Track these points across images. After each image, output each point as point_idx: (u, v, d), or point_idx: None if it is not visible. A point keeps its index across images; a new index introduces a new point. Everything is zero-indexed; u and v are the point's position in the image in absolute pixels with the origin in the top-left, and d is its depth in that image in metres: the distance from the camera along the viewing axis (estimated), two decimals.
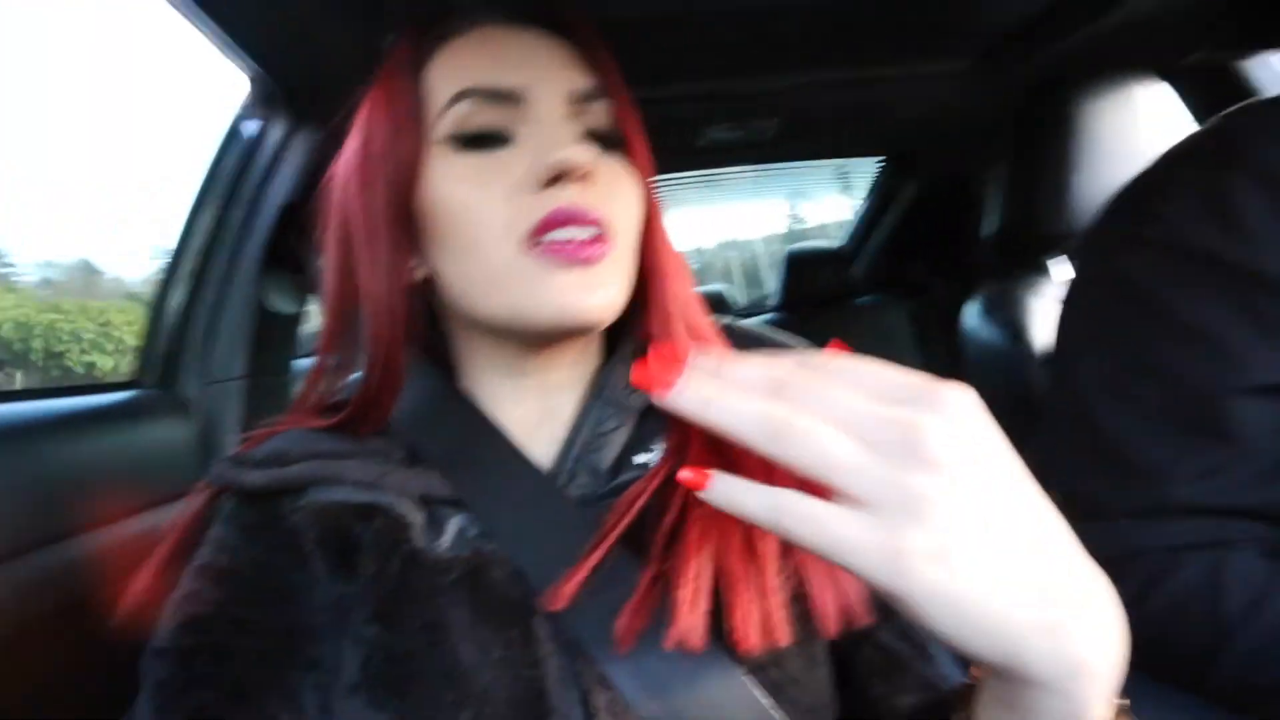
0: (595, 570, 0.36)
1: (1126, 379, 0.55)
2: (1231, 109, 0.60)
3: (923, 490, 0.22)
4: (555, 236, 0.37)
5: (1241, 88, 1.06)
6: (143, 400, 0.81)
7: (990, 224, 1.19)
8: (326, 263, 0.44)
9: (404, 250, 0.40)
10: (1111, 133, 0.98)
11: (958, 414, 0.23)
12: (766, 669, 0.37)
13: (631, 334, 0.45)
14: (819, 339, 0.36)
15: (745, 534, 0.38)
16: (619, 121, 0.42)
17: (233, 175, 0.84)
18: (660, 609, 0.36)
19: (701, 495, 0.26)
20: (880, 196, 1.91)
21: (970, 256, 1.53)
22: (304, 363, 1.26)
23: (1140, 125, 0.99)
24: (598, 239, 0.38)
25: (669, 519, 0.38)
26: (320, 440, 0.41)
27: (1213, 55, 1.05)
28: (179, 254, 0.86)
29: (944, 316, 1.57)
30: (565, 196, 0.37)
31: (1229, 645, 0.47)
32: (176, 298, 0.85)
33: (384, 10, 0.68)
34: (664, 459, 0.41)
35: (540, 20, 0.42)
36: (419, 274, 0.42)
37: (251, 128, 0.85)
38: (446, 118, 0.39)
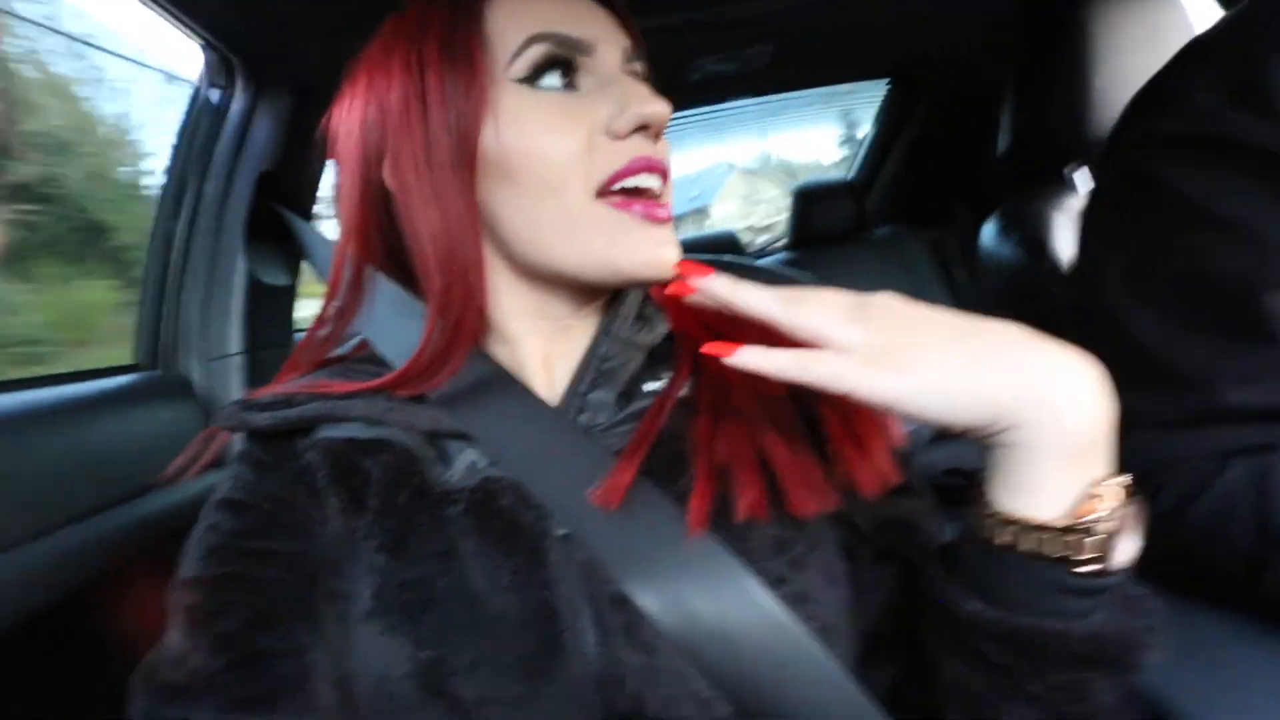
0: (613, 491, 0.38)
1: (1159, 283, 0.52)
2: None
3: (881, 333, 0.32)
4: (629, 184, 0.39)
5: None
6: (144, 383, 0.81)
7: (1005, 142, 1.12)
8: (348, 220, 0.44)
9: (473, 195, 0.40)
10: (1128, 28, 0.91)
11: (886, 298, 0.33)
12: (787, 581, 0.38)
13: None
14: (834, 275, 0.37)
15: (775, 420, 0.41)
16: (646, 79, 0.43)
17: (203, 147, 0.81)
18: (660, 525, 0.38)
19: (731, 360, 0.34)
20: (888, 123, 1.83)
21: (988, 178, 1.45)
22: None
23: (1160, 20, 0.92)
24: (663, 200, 0.41)
25: (705, 415, 0.41)
26: (324, 382, 0.42)
27: None
28: (160, 232, 0.84)
29: (965, 243, 1.51)
30: (644, 148, 0.39)
31: (1278, 551, 0.44)
32: (165, 277, 0.83)
33: None
34: (674, 380, 0.43)
35: None
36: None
37: (214, 97, 0.82)
38: (522, 59, 0.39)
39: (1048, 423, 0.30)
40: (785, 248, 1.91)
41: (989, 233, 1.05)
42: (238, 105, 0.81)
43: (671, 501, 0.39)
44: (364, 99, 0.42)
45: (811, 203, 1.81)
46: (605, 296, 0.45)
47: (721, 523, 0.38)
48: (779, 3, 1.09)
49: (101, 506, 0.68)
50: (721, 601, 0.36)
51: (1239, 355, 0.48)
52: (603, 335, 0.44)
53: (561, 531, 0.38)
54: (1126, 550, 0.31)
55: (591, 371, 0.43)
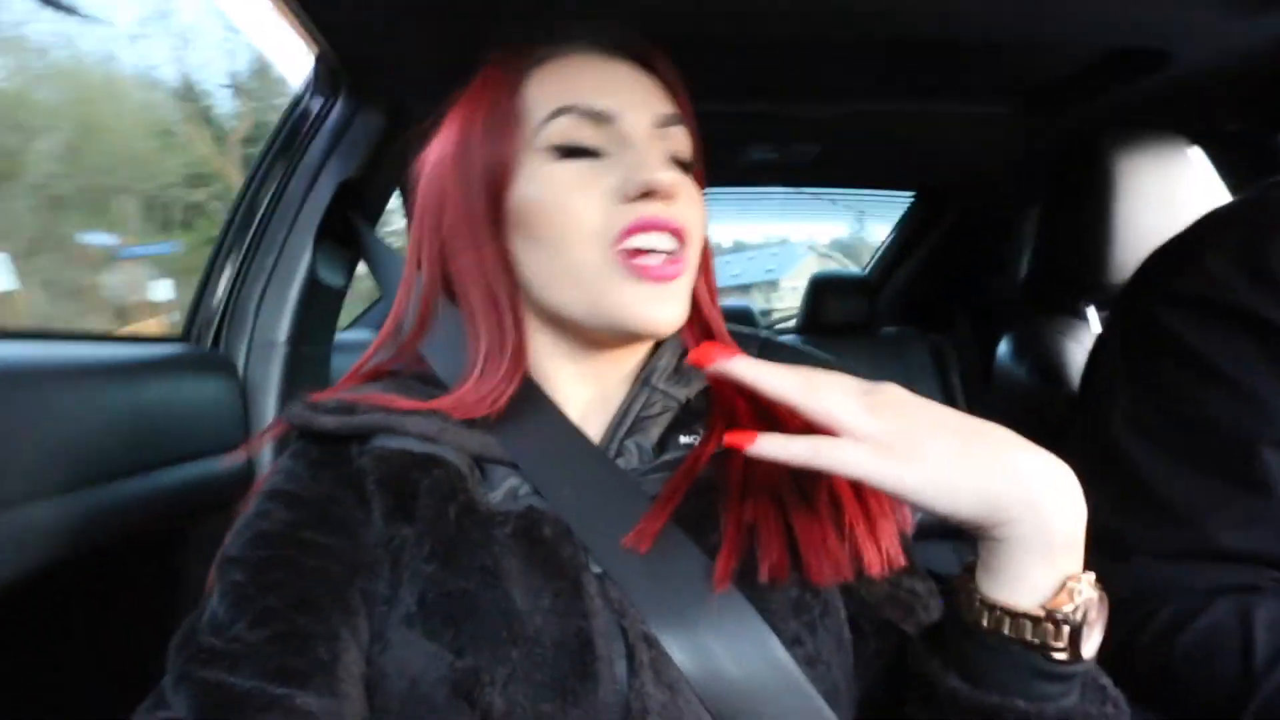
0: (644, 535, 0.40)
1: (1161, 424, 0.56)
2: (1273, 179, 0.62)
3: (893, 422, 0.34)
4: (638, 243, 0.42)
5: (1275, 160, 1.07)
6: (189, 356, 0.83)
7: (1022, 266, 1.20)
8: (416, 246, 0.48)
9: (503, 242, 0.45)
10: (1149, 190, 0.99)
11: (895, 390, 0.36)
12: (802, 643, 0.40)
13: (676, 331, 0.49)
14: (841, 369, 0.39)
15: (800, 491, 0.43)
16: (691, 144, 0.48)
17: (297, 148, 0.86)
18: (690, 574, 0.40)
19: (750, 450, 0.36)
20: (909, 229, 1.93)
21: (997, 296, 1.54)
22: (345, 335, 1.28)
23: (1177, 187, 1.01)
24: (674, 259, 0.43)
25: (735, 476, 0.43)
26: (386, 396, 0.45)
27: (1250, 126, 1.06)
28: (238, 219, 0.88)
29: (966, 353, 1.58)
30: (652, 209, 0.42)
31: (1258, 688, 0.48)
32: (232, 261, 0.87)
33: (453, 6, 0.71)
34: (710, 434, 0.46)
35: (628, 52, 0.47)
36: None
37: (317, 104, 0.88)
38: (548, 129, 0.44)
39: (1035, 522, 0.33)
40: (795, 331, 1.97)
41: (1004, 350, 1.12)
42: (336, 115, 0.87)
43: (700, 553, 0.41)
44: (441, 145, 0.47)
45: (825, 292, 1.89)
46: (639, 350, 0.49)
47: (746, 579, 0.40)
48: (824, 110, 1.18)
49: (131, 470, 0.69)
50: (741, 653, 0.38)
51: (1232, 502, 0.52)
52: (641, 385, 0.47)
53: (597, 569, 0.41)
54: (1094, 641, 0.35)
55: (630, 419, 0.46)
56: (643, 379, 0.48)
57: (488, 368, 0.44)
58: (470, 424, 0.44)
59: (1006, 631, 0.34)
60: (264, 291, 0.86)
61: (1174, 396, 0.56)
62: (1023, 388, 1.04)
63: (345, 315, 1.05)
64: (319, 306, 0.91)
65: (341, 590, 0.39)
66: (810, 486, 0.44)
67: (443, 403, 0.44)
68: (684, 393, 0.48)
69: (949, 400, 1.71)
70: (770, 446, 0.35)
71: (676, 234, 0.43)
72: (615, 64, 0.47)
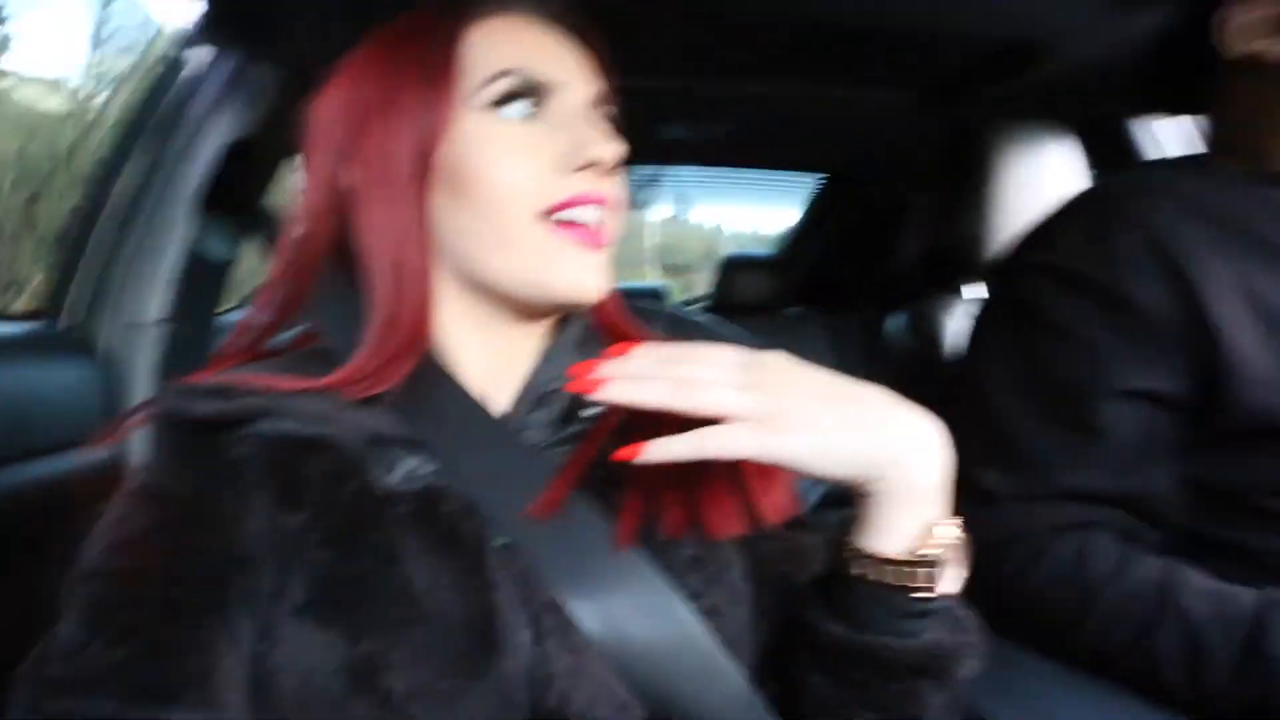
0: (547, 505, 0.41)
1: (1020, 379, 0.63)
2: (1113, 176, 0.69)
3: (771, 397, 0.35)
4: (572, 215, 0.42)
5: (1129, 147, 1.20)
6: (45, 335, 0.75)
7: (917, 248, 1.28)
8: (307, 208, 0.44)
9: (424, 204, 0.42)
10: (1026, 178, 1.09)
11: (773, 360, 0.37)
12: (702, 596, 0.42)
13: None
14: (745, 343, 0.41)
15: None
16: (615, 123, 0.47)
17: (175, 104, 0.78)
18: (595, 538, 0.41)
19: (638, 461, 0.36)
20: (816, 212, 2.00)
21: (892, 277, 1.63)
22: (235, 316, 1.19)
23: (1052, 175, 1.10)
24: (601, 228, 0.43)
25: (636, 444, 0.41)
26: (267, 375, 0.42)
27: (1125, 115, 1.17)
28: (106, 183, 0.79)
29: (864, 333, 1.67)
30: (590, 183, 0.43)
31: (1091, 610, 0.55)
32: (100, 230, 0.78)
33: None
34: (610, 412, 0.46)
35: (567, 22, 0.46)
36: None
37: (196, 55, 0.79)
38: (488, 89, 0.42)
39: (899, 477, 0.37)
40: (706, 309, 2.01)
41: (897, 326, 1.19)
42: (220, 69, 0.79)
43: (603, 517, 0.41)
44: (342, 95, 0.44)
45: (736, 271, 1.93)
46: (545, 322, 0.48)
47: (648, 539, 0.41)
48: (734, 89, 1.20)
49: None
50: (645, 612, 0.40)
51: (1073, 447, 0.59)
52: (546, 360, 0.47)
53: (501, 541, 0.40)
54: (953, 579, 0.39)
55: (534, 392, 0.46)
56: (548, 354, 0.47)
57: (384, 340, 0.42)
58: (366, 403, 0.42)
59: (872, 576, 0.38)
60: (135, 265, 0.78)
61: (1030, 354, 0.63)
62: (912, 359, 1.11)
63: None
64: (199, 282, 0.84)
65: (214, 593, 0.36)
66: None
67: (332, 380, 0.41)
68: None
69: (846, 374, 1.81)
70: (656, 453, 0.36)
71: (608, 207, 0.44)
72: (557, 32, 0.46)
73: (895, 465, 0.36)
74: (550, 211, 0.42)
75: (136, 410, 0.42)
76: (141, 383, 0.77)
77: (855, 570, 0.39)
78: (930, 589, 0.37)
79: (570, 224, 0.42)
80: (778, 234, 2.44)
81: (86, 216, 0.80)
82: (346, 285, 0.43)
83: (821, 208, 1.98)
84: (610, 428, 0.44)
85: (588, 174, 0.42)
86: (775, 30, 0.92)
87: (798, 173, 1.99)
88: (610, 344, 0.49)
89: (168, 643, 0.34)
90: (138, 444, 0.74)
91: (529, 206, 0.41)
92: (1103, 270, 0.60)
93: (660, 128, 1.41)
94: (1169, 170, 0.70)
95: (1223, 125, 0.68)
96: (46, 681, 0.33)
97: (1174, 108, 0.87)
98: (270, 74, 0.82)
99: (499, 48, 0.43)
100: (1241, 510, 0.58)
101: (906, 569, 0.37)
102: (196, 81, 0.79)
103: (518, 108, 0.43)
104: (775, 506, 0.44)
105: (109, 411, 0.76)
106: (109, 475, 0.71)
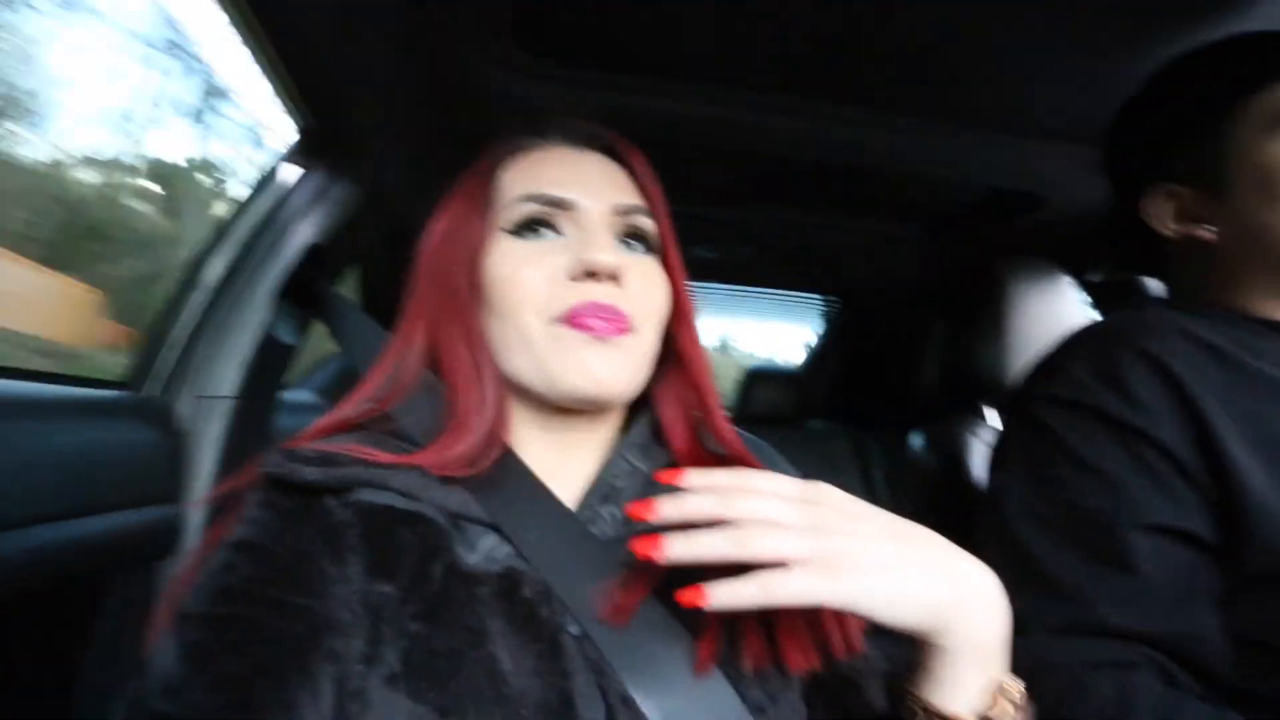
0: (621, 610, 0.41)
1: (1046, 510, 0.63)
2: (1121, 311, 0.74)
3: (833, 540, 0.35)
4: (583, 321, 0.45)
5: (1129, 294, 1.25)
6: (128, 402, 0.82)
7: (931, 371, 1.33)
8: (412, 319, 0.51)
9: (477, 316, 0.48)
10: (1034, 310, 1.14)
11: (831, 495, 0.38)
12: (765, 711, 0.42)
13: (649, 407, 0.53)
14: (775, 459, 0.43)
15: None
16: (658, 229, 0.52)
17: (267, 210, 0.90)
18: (667, 640, 0.42)
19: (705, 605, 0.35)
20: (835, 331, 2.08)
21: (911, 396, 1.67)
22: (292, 394, 1.27)
23: (1057, 308, 1.16)
24: (619, 328, 0.46)
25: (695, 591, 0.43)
26: (364, 448, 0.44)
27: (1118, 271, 1.24)
28: (199, 270, 0.89)
29: (886, 448, 1.69)
30: (596, 291, 0.46)
31: None
32: (188, 310, 0.88)
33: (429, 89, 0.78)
34: None
35: (596, 145, 0.53)
36: None
37: (293, 170, 0.92)
38: (512, 212, 0.49)
39: (968, 630, 0.36)
40: (729, 419, 2.04)
41: (916, 445, 1.22)
42: (311, 181, 0.91)
43: (676, 620, 0.42)
44: (437, 230, 0.52)
45: (759, 383, 1.99)
46: (604, 421, 0.51)
47: (720, 652, 0.42)
48: (759, 216, 1.31)
49: (49, 515, 0.66)
50: (707, 711, 0.40)
51: (1107, 581, 0.57)
52: (616, 455, 0.50)
53: (575, 630, 0.41)
54: None
55: (603, 487, 0.48)
56: (617, 450, 0.50)
57: (467, 424, 0.46)
58: (448, 482, 0.44)
59: None
60: (215, 343, 0.87)
61: (1055, 486, 0.63)
62: (933, 479, 1.13)
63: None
64: (269, 363, 0.92)
65: (304, 653, 0.37)
66: None
67: (422, 458, 0.44)
68: (649, 466, 0.50)
69: (870, 491, 1.80)
70: (722, 599, 0.35)
71: (619, 318, 0.46)
72: (585, 156, 0.52)
73: (961, 617, 0.36)
74: (561, 318, 0.45)
75: (247, 471, 0.44)
76: (211, 451, 0.84)
77: None
78: None
79: (581, 325, 0.45)
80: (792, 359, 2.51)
81: (177, 297, 0.89)
82: (427, 382, 0.49)
83: (840, 328, 2.06)
84: None
85: (590, 283, 0.46)
86: (797, 166, 1.03)
87: (816, 295, 2.09)
88: (673, 444, 0.52)
89: (258, 698, 0.35)
90: (198, 510, 0.80)
91: (543, 312, 0.46)
92: (1114, 402, 0.60)
93: (693, 248, 1.53)
94: (1168, 307, 0.71)
95: (1180, 281, 0.72)
96: (152, 714, 0.34)
97: (1137, 267, 0.93)
98: (347, 190, 0.95)
99: (526, 174, 0.50)
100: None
101: None
102: (293, 190, 0.91)
103: (534, 230, 0.48)
104: (847, 642, 0.43)
105: (178, 476, 0.82)
106: (171, 535, 0.77)
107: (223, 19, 0.69)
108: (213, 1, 0.68)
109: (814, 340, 2.23)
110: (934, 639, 0.37)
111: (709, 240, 1.52)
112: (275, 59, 0.73)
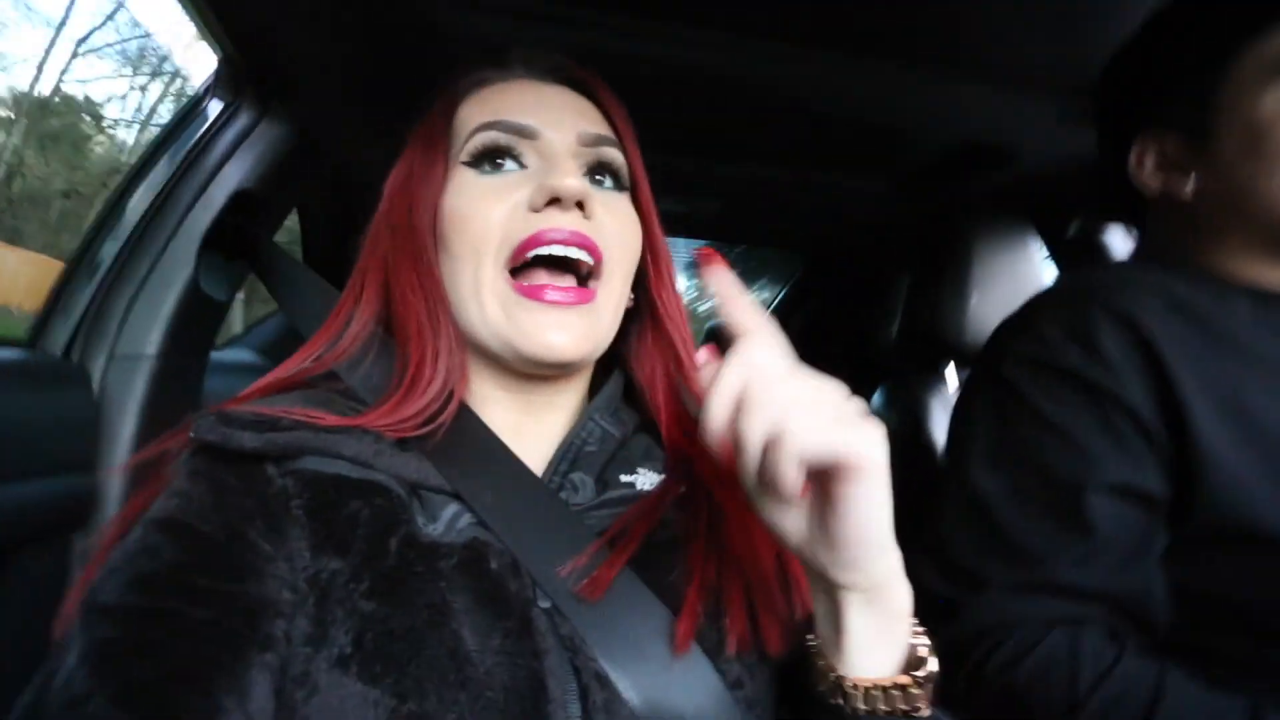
0: (598, 583, 0.39)
1: (1010, 469, 0.63)
2: (1093, 268, 0.73)
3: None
4: (540, 252, 0.42)
5: (1097, 250, 1.26)
6: (37, 363, 0.75)
7: (892, 329, 1.32)
8: (362, 273, 0.47)
9: (437, 262, 0.44)
10: (999, 269, 1.14)
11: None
12: (743, 686, 0.41)
13: (622, 366, 0.50)
14: None
15: (759, 564, 0.43)
16: (628, 164, 0.48)
17: (190, 150, 0.81)
18: (645, 615, 0.40)
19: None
20: (798, 289, 2.07)
21: (872, 354, 1.67)
22: (222, 354, 1.19)
23: (1023, 267, 1.16)
24: (579, 297, 0.43)
25: (698, 532, 0.42)
26: (308, 410, 0.41)
27: (1085, 228, 1.24)
28: (111, 220, 0.81)
29: None
30: (560, 219, 0.42)
31: (1080, 708, 0.53)
32: (102, 262, 0.80)
33: (366, 21, 0.71)
34: (665, 485, 0.45)
35: (561, 77, 0.49)
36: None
37: (216, 108, 0.84)
38: (471, 143, 0.45)
39: (888, 582, 0.35)
40: None
41: (877, 402, 1.22)
42: (238, 122, 0.83)
43: (653, 595, 0.40)
44: (394, 175, 0.48)
45: (721, 343, 1.97)
46: (573, 381, 0.48)
47: (699, 628, 0.40)
48: (726, 169, 1.27)
49: None
50: (690, 695, 0.38)
51: (1065, 541, 0.58)
52: (586, 419, 0.46)
53: (546, 604, 0.39)
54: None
55: (573, 452, 0.45)
56: (587, 414, 0.47)
57: (421, 379, 0.42)
58: (404, 447, 0.41)
59: (864, 708, 0.36)
60: (134, 299, 0.79)
61: (1019, 445, 0.63)
62: (891, 437, 1.13)
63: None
64: (197, 320, 0.85)
65: (235, 648, 0.33)
66: (769, 559, 0.44)
67: (373, 418, 0.40)
68: (620, 430, 0.48)
69: None
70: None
71: (585, 245, 0.42)
72: (548, 87, 0.48)
73: (891, 568, 0.35)
74: (520, 251, 0.42)
75: (173, 436, 0.40)
76: (132, 415, 0.77)
77: (864, 705, 0.35)
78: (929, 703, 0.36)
79: (537, 297, 0.42)
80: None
81: (87, 245, 0.81)
82: (378, 340, 0.45)
83: (802, 286, 2.05)
84: (662, 503, 0.44)
85: (554, 211, 0.42)
86: (765, 116, 0.98)
87: (781, 249, 2.07)
88: (650, 407, 0.49)
89: (173, 707, 0.31)
90: (116, 478, 0.74)
91: (499, 254, 0.42)
92: (1085, 363, 0.60)
93: (660, 200, 1.48)
94: (1145, 265, 0.71)
95: (1154, 238, 0.72)
96: None
97: (1118, 217, 0.93)
98: (282, 131, 0.87)
99: (485, 105, 0.46)
100: (1224, 617, 0.57)
101: (914, 689, 0.35)
102: (214, 128, 0.83)
103: (492, 163, 0.45)
104: (793, 626, 0.43)
105: (96, 441, 0.75)
106: (85, 505, 0.71)
107: None
108: None
109: (775, 297, 2.21)
110: (854, 578, 0.35)
111: (674, 193, 1.47)
112: None
